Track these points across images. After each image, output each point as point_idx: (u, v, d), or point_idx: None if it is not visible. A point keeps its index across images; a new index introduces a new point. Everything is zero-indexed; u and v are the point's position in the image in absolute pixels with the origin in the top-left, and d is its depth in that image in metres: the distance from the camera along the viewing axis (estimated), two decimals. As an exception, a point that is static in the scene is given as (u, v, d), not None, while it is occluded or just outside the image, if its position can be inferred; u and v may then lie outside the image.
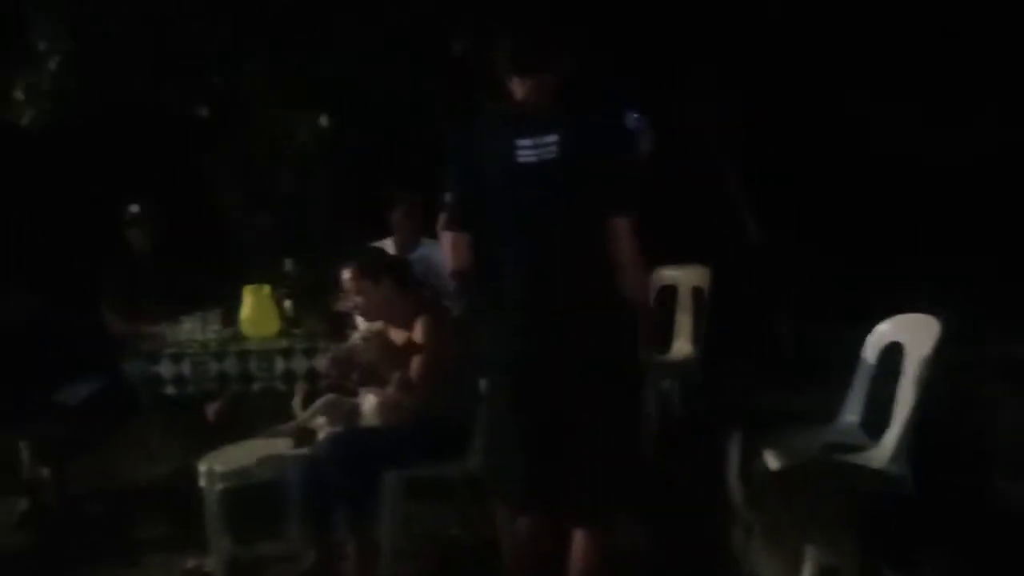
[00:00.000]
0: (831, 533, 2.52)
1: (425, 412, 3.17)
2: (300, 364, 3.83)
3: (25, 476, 4.21)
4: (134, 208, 4.64)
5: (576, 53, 2.51)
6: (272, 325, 4.04)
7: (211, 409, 4.31)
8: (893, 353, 3.13)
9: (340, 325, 4.01)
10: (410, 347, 3.24)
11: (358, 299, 3.35)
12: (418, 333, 3.22)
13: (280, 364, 3.85)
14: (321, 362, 3.39)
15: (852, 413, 3.21)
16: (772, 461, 2.93)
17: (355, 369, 3.22)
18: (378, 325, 3.48)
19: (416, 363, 3.18)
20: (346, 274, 3.36)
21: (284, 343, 3.91)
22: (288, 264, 4.28)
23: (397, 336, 3.36)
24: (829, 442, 3.09)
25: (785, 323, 4.65)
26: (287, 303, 4.16)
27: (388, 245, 4.34)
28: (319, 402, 3.40)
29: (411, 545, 3.55)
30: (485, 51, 2.69)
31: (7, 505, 4.15)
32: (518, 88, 2.47)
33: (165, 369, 3.92)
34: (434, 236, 4.60)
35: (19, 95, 4.60)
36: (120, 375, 4.35)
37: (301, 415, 3.47)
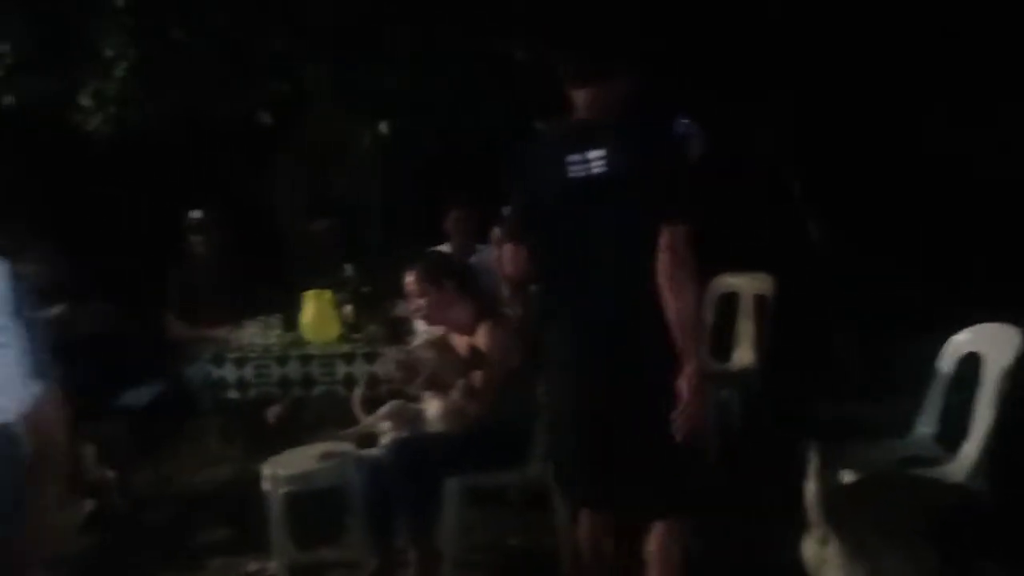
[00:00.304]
0: (910, 547, 2.45)
1: (487, 419, 3.15)
2: (361, 368, 3.83)
3: (90, 478, 4.27)
4: (196, 214, 4.69)
5: (634, 63, 2.53)
6: (332, 330, 4.05)
7: (271, 413, 4.33)
8: (969, 364, 3.04)
9: (400, 330, 4.01)
10: (472, 353, 3.22)
11: (420, 303, 3.34)
12: (480, 339, 3.20)
13: (341, 368, 3.85)
14: (383, 366, 3.38)
15: (927, 425, 3.12)
16: (846, 474, 2.85)
17: (419, 374, 3.21)
18: (439, 330, 3.47)
19: (479, 369, 3.16)
20: (409, 277, 3.35)
21: (346, 348, 3.91)
22: (348, 269, 4.27)
23: (459, 342, 3.34)
24: (904, 455, 3.01)
25: (851, 333, 4.54)
26: (347, 308, 4.16)
27: (444, 251, 4.34)
28: (384, 408, 3.39)
29: (471, 554, 3.52)
30: (545, 61, 2.71)
31: (74, 506, 4.20)
32: (577, 99, 2.50)
33: (228, 373, 3.95)
34: (489, 242, 4.62)
35: (86, 101, 4.68)
36: (182, 379, 4.40)
37: (364, 419, 3.46)
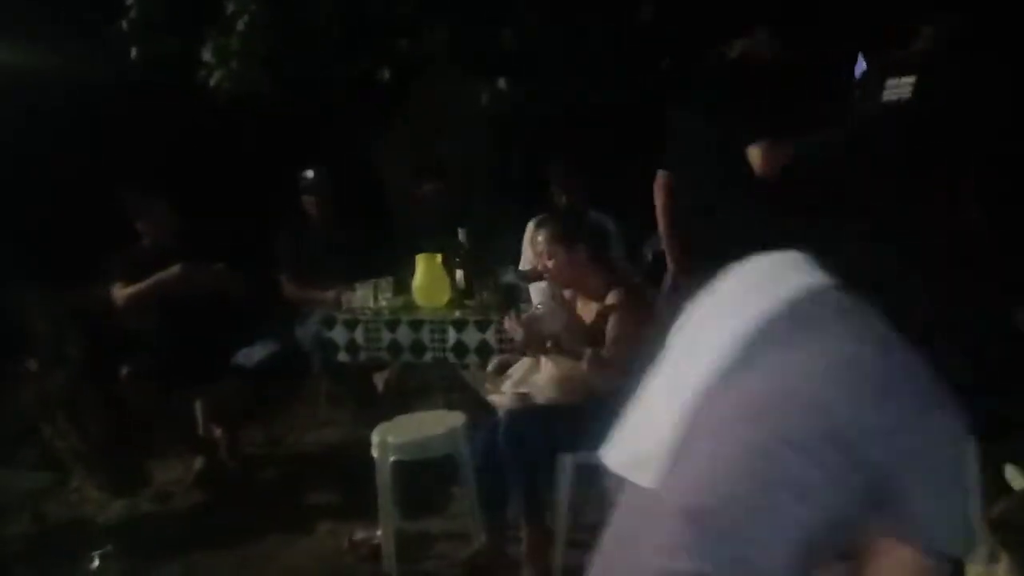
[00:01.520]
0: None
1: (609, 393, 2.95)
2: (472, 336, 3.68)
3: (201, 435, 4.28)
4: (310, 174, 4.60)
5: None
6: (444, 295, 3.92)
7: (380, 378, 4.25)
8: None
9: (511, 298, 3.85)
10: (599, 321, 3.03)
11: (548, 264, 3.15)
12: (609, 308, 2.99)
13: (452, 335, 3.71)
14: (509, 323, 3.18)
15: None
16: (1016, 477, 2.54)
17: (543, 337, 3.02)
18: (562, 295, 3.31)
19: (609, 338, 2.96)
20: (539, 236, 3.18)
21: (457, 314, 3.77)
22: (460, 234, 4.12)
23: (584, 308, 3.15)
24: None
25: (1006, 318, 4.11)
26: (459, 273, 4.02)
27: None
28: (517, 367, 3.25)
29: (583, 533, 3.36)
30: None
31: (185, 463, 4.24)
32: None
33: (338, 336, 3.86)
34: (601, 207, 4.44)
35: (207, 56, 4.64)
36: (293, 340, 4.36)
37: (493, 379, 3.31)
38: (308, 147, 5.02)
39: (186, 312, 4.07)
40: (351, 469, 3.56)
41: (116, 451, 4.29)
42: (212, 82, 4.70)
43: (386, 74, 4.63)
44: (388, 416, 3.39)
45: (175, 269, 4.04)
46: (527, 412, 3.03)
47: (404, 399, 4.17)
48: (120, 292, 4.10)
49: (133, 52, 4.73)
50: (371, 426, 3.28)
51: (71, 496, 4.06)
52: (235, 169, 5.48)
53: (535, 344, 3.04)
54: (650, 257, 4.91)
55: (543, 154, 4.77)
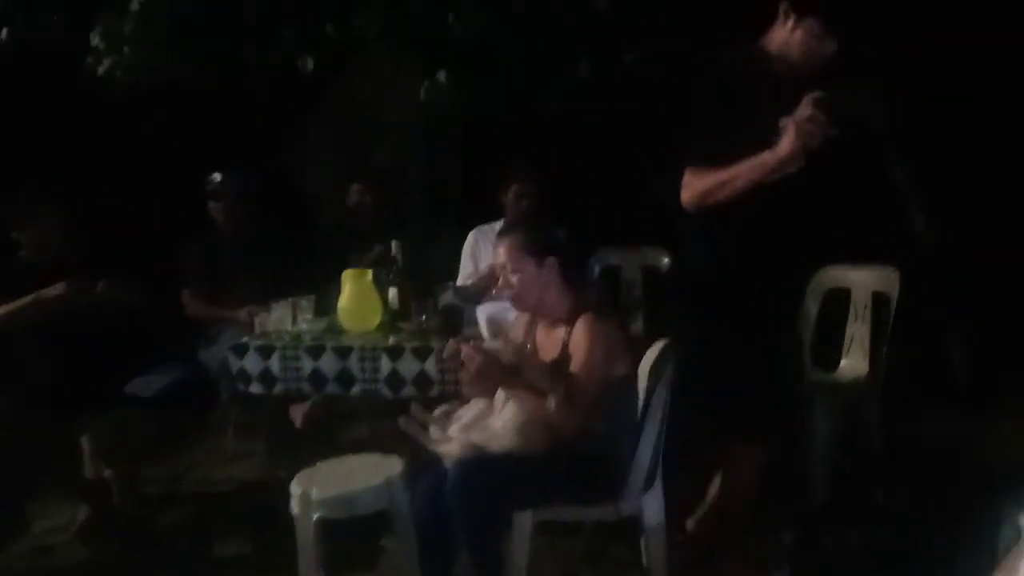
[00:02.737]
0: None
1: (578, 440, 2.54)
2: (409, 366, 3.21)
3: (87, 478, 3.73)
4: (217, 177, 4.14)
5: None
6: (374, 317, 3.45)
7: (298, 412, 3.76)
8: None
9: (452, 321, 3.41)
10: (561, 351, 2.60)
11: (512, 280, 2.71)
12: (578, 336, 2.56)
13: (386, 365, 3.24)
14: (451, 347, 2.72)
15: None
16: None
17: (501, 371, 2.57)
18: (517, 320, 2.90)
19: (576, 374, 2.53)
20: (501, 247, 2.73)
21: (391, 340, 3.30)
22: (394, 247, 3.66)
23: (547, 335, 2.73)
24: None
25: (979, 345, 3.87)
26: (391, 292, 3.56)
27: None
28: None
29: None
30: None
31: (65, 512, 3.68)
32: None
33: (250, 364, 3.35)
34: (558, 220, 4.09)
35: (95, 41, 4.07)
36: (199, 366, 3.87)
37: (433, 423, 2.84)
38: (219, 146, 4.53)
39: (68, 333, 3.52)
40: (267, 512, 3.05)
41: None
42: (101, 70, 4.13)
43: (309, 63, 4.12)
44: (308, 458, 2.91)
45: (60, 287, 3.49)
46: (481, 463, 2.57)
47: (329, 433, 3.72)
48: (-12, 311, 3.52)
49: (3, 33, 4.13)
50: (287, 464, 2.81)
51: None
52: (137, 170, 4.94)
53: (494, 376, 2.59)
54: (596, 272, 4.59)
55: (487, 156, 4.40)
